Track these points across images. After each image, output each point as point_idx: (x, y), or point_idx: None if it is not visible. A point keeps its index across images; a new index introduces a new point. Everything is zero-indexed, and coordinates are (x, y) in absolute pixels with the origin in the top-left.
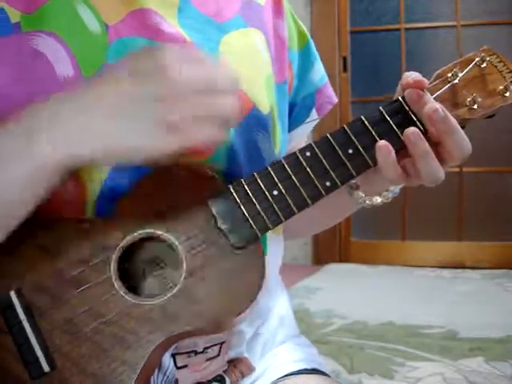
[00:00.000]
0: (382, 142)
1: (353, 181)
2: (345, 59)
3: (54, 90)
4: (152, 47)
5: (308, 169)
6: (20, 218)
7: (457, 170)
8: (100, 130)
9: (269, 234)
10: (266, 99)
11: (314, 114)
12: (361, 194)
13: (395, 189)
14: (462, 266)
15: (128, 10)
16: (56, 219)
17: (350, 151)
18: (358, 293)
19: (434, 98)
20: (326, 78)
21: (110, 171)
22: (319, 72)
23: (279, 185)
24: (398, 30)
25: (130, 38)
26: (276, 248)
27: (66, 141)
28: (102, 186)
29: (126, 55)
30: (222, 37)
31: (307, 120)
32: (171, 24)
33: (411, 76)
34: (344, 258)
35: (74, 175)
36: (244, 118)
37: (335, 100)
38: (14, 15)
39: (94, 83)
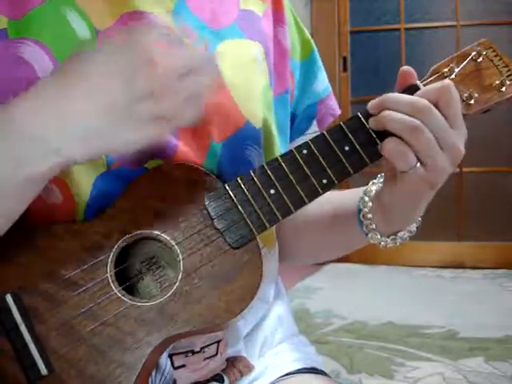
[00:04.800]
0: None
1: (367, 221)
2: (345, 59)
3: None
4: (127, 40)
5: (305, 167)
6: (5, 226)
7: (457, 169)
8: (91, 135)
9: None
10: (259, 112)
11: (314, 126)
12: (377, 236)
13: (407, 232)
14: (462, 266)
15: (120, 13)
16: (52, 222)
17: (347, 148)
18: (358, 293)
19: None
20: (330, 89)
21: (92, 178)
22: (323, 82)
23: (276, 183)
24: (397, 30)
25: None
26: (270, 262)
27: (56, 151)
28: (85, 193)
29: (102, 50)
30: (218, 44)
31: (308, 131)
32: (167, 26)
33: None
34: (344, 257)
35: (60, 188)
36: (235, 134)
37: (338, 112)
38: (1, 21)
39: (74, 85)
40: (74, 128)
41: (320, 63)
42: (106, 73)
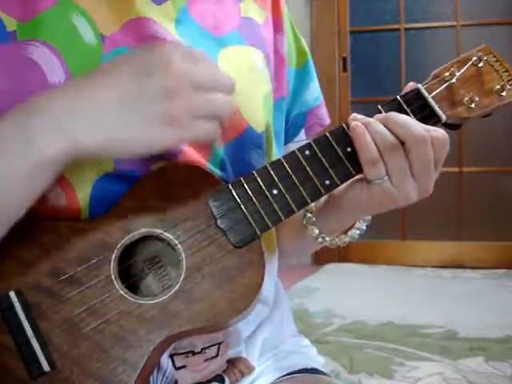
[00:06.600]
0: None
1: (309, 214)
2: (344, 59)
3: None
4: (154, 44)
5: (307, 167)
6: (16, 217)
7: (457, 169)
8: (102, 122)
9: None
10: (261, 117)
11: (302, 135)
12: (315, 230)
13: (362, 225)
14: (462, 266)
15: (125, 20)
16: (55, 220)
17: (349, 149)
18: (358, 293)
19: (432, 98)
20: (321, 99)
21: (96, 180)
22: (314, 92)
23: (279, 184)
24: (397, 30)
25: (127, 48)
26: (270, 264)
27: (66, 132)
28: (90, 195)
29: (127, 52)
30: (220, 50)
31: (295, 139)
32: (170, 33)
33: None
34: (343, 257)
35: (62, 187)
36: (237, 138)
37: (327, 122)
38: (11, 24)
39: (94, 76)
40: (84, 111)
41: (314, 73)
42: (122, 65)
